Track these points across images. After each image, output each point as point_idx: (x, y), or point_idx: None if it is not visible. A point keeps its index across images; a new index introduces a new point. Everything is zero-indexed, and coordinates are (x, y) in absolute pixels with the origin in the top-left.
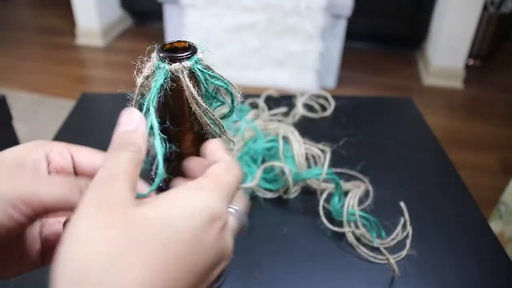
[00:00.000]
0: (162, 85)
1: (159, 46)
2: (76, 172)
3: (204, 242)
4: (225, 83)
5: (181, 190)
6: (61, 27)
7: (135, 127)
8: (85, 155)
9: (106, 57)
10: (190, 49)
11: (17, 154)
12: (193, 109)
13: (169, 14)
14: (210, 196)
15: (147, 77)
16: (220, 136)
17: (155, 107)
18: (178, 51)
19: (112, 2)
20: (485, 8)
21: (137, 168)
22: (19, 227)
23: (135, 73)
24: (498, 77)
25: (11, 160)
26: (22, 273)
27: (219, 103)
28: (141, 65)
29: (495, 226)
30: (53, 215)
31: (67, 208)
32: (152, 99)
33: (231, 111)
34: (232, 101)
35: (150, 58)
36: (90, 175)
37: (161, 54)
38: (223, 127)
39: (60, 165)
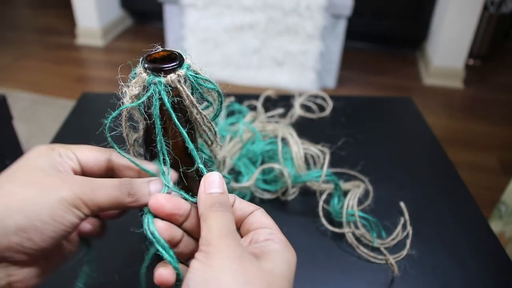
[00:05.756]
0: (161, 99)
1: (143, 60)
2: (83, 170)
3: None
4: (215, 86)
5: (276, 253)
6: (61, 27)
7: (224, 189)
8: (87, 153)
9: (106, 57)
10: (173, 56)
11: (48, 160)
12: (193, 117)
13: (169, 14)
14: (291, 251)
15: (137, 96)
16: (212, 142)
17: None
18: (159, 61)
19: (112, 2)
20: (485, 8)
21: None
22: (74, 228)
23: (119, 92)
24: (498, 77)
25: (45, 165)
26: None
27: (204, 105)
28: (124, 83)
29: (495, 226)
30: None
31: (117, 209)
32: (157, 116)
33: (217, 113)
34: (221, 103)
35: (132, 75)
36: (98, 172)
37: (150, 66)
38: (216, 133)
39: (71, 167)
